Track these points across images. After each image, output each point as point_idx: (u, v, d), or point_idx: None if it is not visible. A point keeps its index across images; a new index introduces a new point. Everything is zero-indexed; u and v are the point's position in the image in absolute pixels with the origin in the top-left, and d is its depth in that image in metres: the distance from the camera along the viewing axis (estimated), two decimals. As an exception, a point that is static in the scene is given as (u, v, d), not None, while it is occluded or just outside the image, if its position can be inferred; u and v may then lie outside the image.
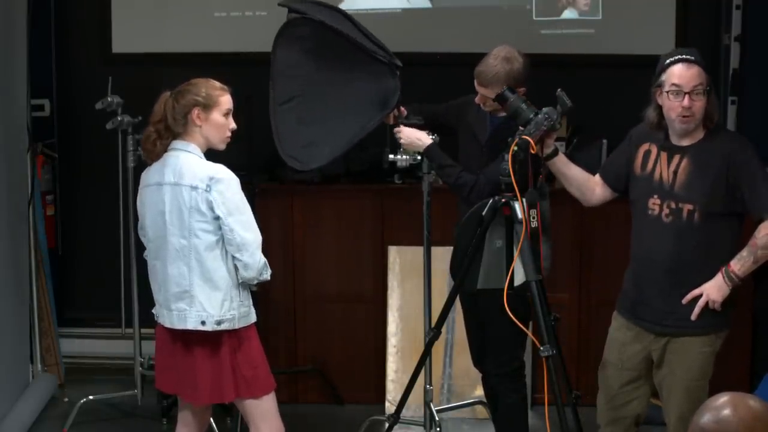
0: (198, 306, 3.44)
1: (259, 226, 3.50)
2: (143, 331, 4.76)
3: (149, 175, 3.54)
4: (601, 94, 5.16)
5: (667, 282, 3.42)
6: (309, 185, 4.98)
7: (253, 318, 3.54)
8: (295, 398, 5.06)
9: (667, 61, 3.37)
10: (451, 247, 3.79)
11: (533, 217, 3.43)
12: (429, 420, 4.29)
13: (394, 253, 4.99)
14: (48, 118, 5.53)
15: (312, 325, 5.09)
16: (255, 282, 3.50)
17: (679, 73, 3.32)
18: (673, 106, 3.34)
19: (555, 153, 3.57)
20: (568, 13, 5.31)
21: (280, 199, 5.05)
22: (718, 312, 3.38)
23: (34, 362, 5.15)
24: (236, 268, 3.46)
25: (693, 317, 3.38)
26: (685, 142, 3.41)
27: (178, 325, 3.49)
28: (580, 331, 4.94)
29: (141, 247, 3.72)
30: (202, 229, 3.42)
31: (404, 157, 4.03)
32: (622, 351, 3.56)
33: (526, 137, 3.40)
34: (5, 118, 4.72)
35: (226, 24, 5.43)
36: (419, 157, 4.00)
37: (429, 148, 3.89)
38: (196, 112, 3.45)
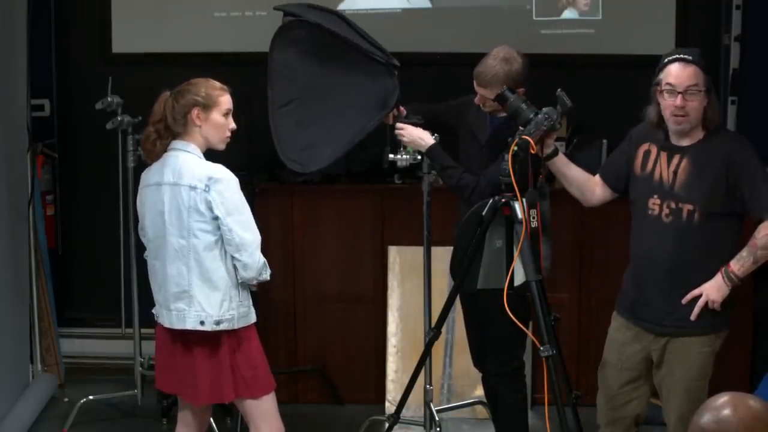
0: (197, 306, 3.44)
1: (258, 227, 3.50)
2: (143, 331, 4.76)
3: (149, 175, 3.54)
4: (601, 94, 5.16)
5: (666, 282, 3.42)
6: (309, 185, 4.97)
7: (252, 318, 3.54)
8: (295, 398, 5.06)
9: (666, 60, 3.37)
10: (451, 247, 3.79)
11: (533, 217, 3.43)
12: (429, 420, 4.29)
13: (394, 253, 4.99)
14: (48, 118, 5.53)
15: (312, 325, 5.10)
16: (254, 282, 3.50)
17: (675, 73, 3.33)
18: (667, 105, 3.35)
19: (555, 153, 3.57)
20: (568, 13, 5.31)
21: (280, 199, 5.05)
22: (718, 312, 3.38)
23: (34, 362, 5.15)
24: (235, 268, 3.46)
25: (692, 317, 3.38)
26: (685, 142, 3.41)
27: (177, 325, 3.49)
28: (580, 331, 4.94)
29: (141, 247, 3.72)
30: (200, 229, 3.42)
31: (404, 157, 4.03)
32: (622, 351, 3.56)
33: (526, 137, 3.40)
34: (5, 118, 4.72)
35: (226, 24, 5.43)
36: (419, 157, 4.00)
37: (431, 149, 3.89)
38: (195, 112, 3.45)
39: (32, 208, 5.05)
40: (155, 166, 3.51)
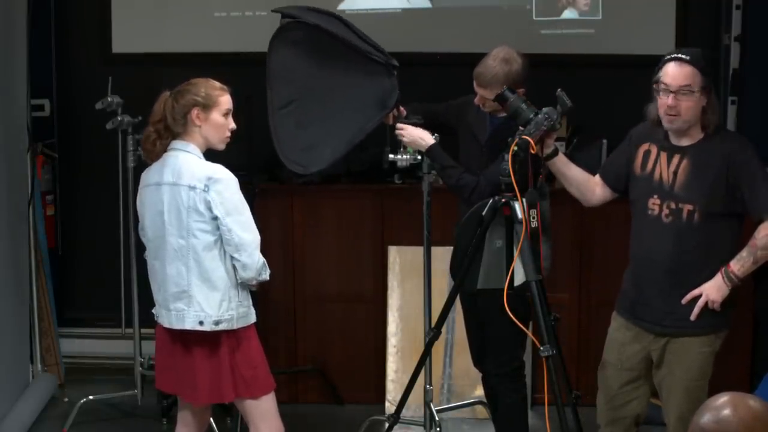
0: (196, 306, 3.44)
1: (259, 226, 3.50)
2: (143, 331, 4.76)
3: (149, 175, 3.54)
4: (601, 94, 5.16)
5: (666, 282, 3.41)
6: (309, 185, 4.97)
7: (252, 318, 3.54)
8: (295, 398, 5.06)
9: (665, 58, 3.38)
10: (451, 247, 3.79)
11: (533, 217, 3.43)
12: (429, 420, 4.29)
13: (394, 253, 4.99)
14: (48, 118, 5.53)
15: (312, 325, 5.09)
16: (254, 282, 3.50)
17: (671, 73, 3.33)
18: (661, 104, 3.36)
19: (555, 153, 3.57)
20: (568, 13, 5.31)
21: (280, 199, 5.05)
22: (718, 312, 3.38)
23: (34, 362, 5.15)
24: (235, 268, 3.46)
25: (692, 317, 3.38)
26: (685, 143, 3.41)
27: (177, 325, 3.49)
28: (580, 331, 4.94)
29: (141, 247, 3.72)
30: (200, 229, 3.42)
31: (404, 157, 4.03)
32: (622, 351, 3.56)
33: (526, 137, 3.40)
34: (5, 118, 4.72)
35: (226, 24, 5.43)
36: (419, 157, 4.00)
37: (431, 148, 3.89)
38: (195, 112, 3.45)
39: (32, 208, 5.05)
40: (155, 166, 3.51)
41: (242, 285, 3.50)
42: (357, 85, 3.82)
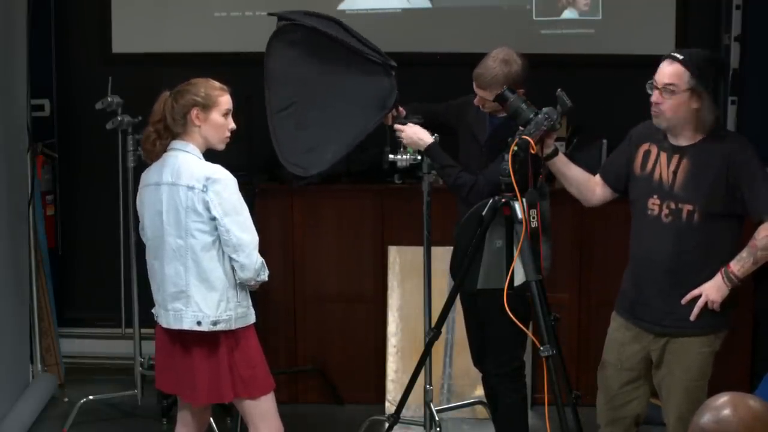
0: (194, 306, 3.44)
1: (259, 226, 3.50)
2: (143, 331, 4.76)
3: (149, 175, 3.54)
4: (601, 94, 5.16)
5: (666, 282, 3.41)
6: (309, 185, 4.97)
7: (251, 319, 3.54)
8: (295, 398, 5.06)
9: (664, 55, 3.38)
10: (451, 247, 3.79)
11: (533, 217, 3.43)
12: (429, 420, 4.29)
13: (394, 253, 4.99)
14: (48, 118, 5.53)
15: (312, 325, 5.09)
16: (252, 282, 3.50)
17: (660, 69, 3.35)
18: (651, 100, 3.37)
19: (555, 153, 3.57)
20: (568, 13, 5.31)
21: (280, 199, 5.05)
22: (718, 312, 3.38)
23: (34, 362, 5.15)
24: (234, 268, 3.46)
25: (692, 317, 3.38)
26: (685, 143, 3.41)
27: (175, 325, 3.49)
28: (580, 331, 4.94)
29: (141, 247, 3.72)
30: (198, 229, 3.41)
31: (404, 157, 4.03)
32: (621, 351, 3.56)
33: (526, 137, 3.40)
34: (5, 118, 4.72)
35: (226, 24, 5.43)
36: (419, 157, 4.00)
37: (429, 147, 3.89)
38: (195, 112, 3.45)
39: (32, 208, 5.05)
40: (155, 166, 3.51)
41: (241, 285, 3.50)
42: (356, 85, 3.82)
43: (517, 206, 3.45)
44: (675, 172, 3.40)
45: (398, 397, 4.07)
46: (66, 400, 5.10)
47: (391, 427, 4.09)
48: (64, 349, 5.39)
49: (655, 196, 3.44)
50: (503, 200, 3.49)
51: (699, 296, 3.37)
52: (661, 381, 3.49)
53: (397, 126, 3.91)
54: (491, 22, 5.29)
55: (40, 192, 5.27)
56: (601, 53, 5.28)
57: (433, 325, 3.92)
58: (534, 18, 5.30)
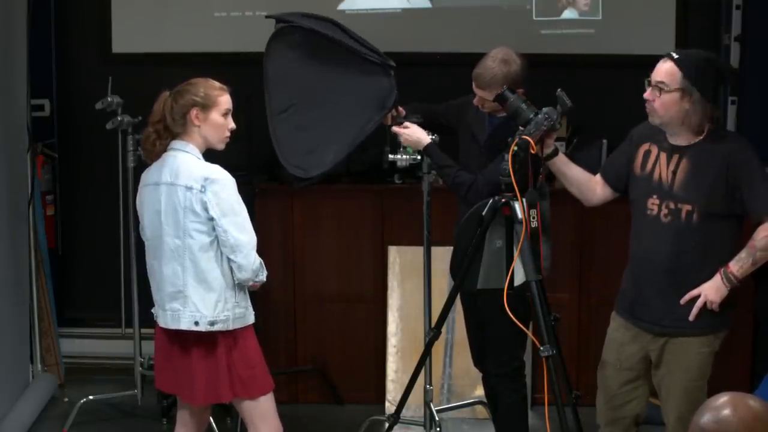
0: (191, 306, 3.44)
1: (258, 227, 3.50)
2: (143, 331, 4.76)
3: (148, 175, 3.54)
4: (601, 94, 5.16)
5: (665, 282, 3.41)
6: (309, 185, 4.97)
7: (250, 319, 3.53)
8: (295, 398, 5.06)
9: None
10: (451, 247, 3.79)
11: (533, 217, 3.43)
12: (429, 420, 4.30)
13: (394, 253, 4.99)
14: (48, 118, 5.53)
15: (312, 325, 5.09)
16: (251, 283, 3.50)
17: (656, 67, 3.35)
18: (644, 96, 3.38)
19: (555, 153, 3.57)
20: (568, 13, 5.31)
21: (280, 199, 5.05)
22: (717, 312, 3.38)
23: (34, 362, 5.15)
24: (232, 269, 3.46)
25: (691, 318, 3.37)
26: (685, 143, 3.41)
27: (172, 325, 3.49)
28: (580, 331, 4.95)
29: (141, 247, 3.72)
30: (196, 229, 3.41)
31: (404, 157, 4.03)
32: (621, 351, 3.56)
33: (526, 137, 3.40)
34: (5, 118, 4.72)
35: (226, 24, 5.43)
36: (419, 157, 4.00)
37: (428, 147, 3.89)
38: (194, 112, 3.45)
39: (32, 208, 5.05)
40: (154, 166, 3.51)
41: (239, 286, 3.49)
42: (355, 86, 3.82)
43: (517, 206, 3.45)
44: (674, 172, 3.40)
45: (398, 397, 4.07)
46: (66, 400, 5.10)
47: (391, 427, 4.09)
48: (64, 349, 5.39)
49: (655, 196, 3.43)
50: (503, 200, 3.49)
51: (698, 296, 3.37)
52: (661, 381, 3.49)
53: (395, 129, 3.91)
54: (491, 22, 5.29)
55: (40, 192, 5.27)
56: (601, 53, 5.28)
57: (433, 325, 3.92)
58: (534, 18, 5.30)
